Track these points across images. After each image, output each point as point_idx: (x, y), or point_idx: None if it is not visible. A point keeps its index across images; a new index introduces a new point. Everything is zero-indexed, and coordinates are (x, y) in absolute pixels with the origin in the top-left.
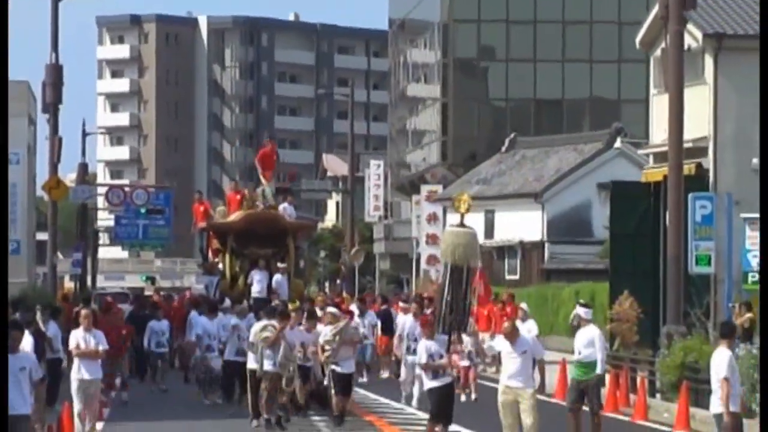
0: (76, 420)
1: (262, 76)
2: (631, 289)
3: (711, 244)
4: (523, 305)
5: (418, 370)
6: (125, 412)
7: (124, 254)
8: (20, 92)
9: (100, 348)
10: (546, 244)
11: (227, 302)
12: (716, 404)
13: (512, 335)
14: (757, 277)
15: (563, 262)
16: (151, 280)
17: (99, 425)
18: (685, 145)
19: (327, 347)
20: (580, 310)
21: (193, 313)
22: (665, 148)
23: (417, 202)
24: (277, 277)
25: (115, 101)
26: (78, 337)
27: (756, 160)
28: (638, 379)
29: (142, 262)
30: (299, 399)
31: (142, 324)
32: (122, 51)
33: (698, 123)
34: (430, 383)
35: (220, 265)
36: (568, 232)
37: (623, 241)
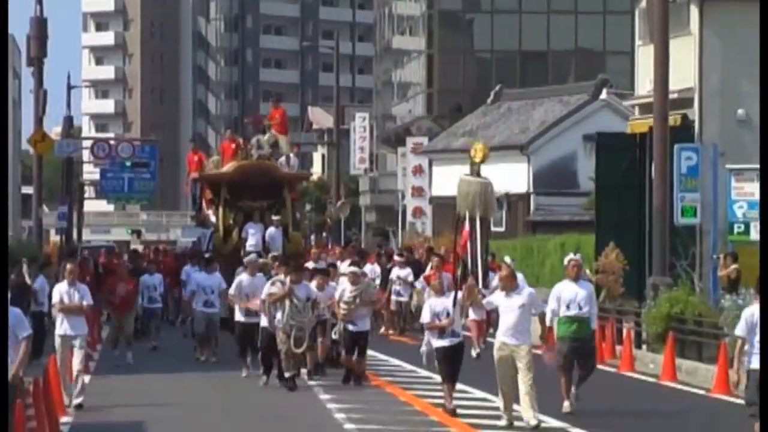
0: (61, 375)
1: (247, 28)
2: (617, 241)
3: (696, 196)
4: (507, 259)
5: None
6: (112, 366)
7: (110, 208)
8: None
9: (84, 303)
10: (532, 196)
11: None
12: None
13: (508, 285)
14: (742, 227)
15: (549, 214)
16: (137, 233)
17: (86, 378)
18: (671, 97)
19: (344, 306)
20: (578, 258)
21: (187, 267)
22: (650, 100)
23: (403, 155)
24: (270, 230)
25: (99, 54)
26: (62, 292)
27: (741, 111)
28: (624, 331)
29: (127, 216)
30: (317, 357)
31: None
32: (107, 4)
33: (683, 74)
34: (435, 342)
35: (213, 218)
36: (554, 183)
37: (609, 192)
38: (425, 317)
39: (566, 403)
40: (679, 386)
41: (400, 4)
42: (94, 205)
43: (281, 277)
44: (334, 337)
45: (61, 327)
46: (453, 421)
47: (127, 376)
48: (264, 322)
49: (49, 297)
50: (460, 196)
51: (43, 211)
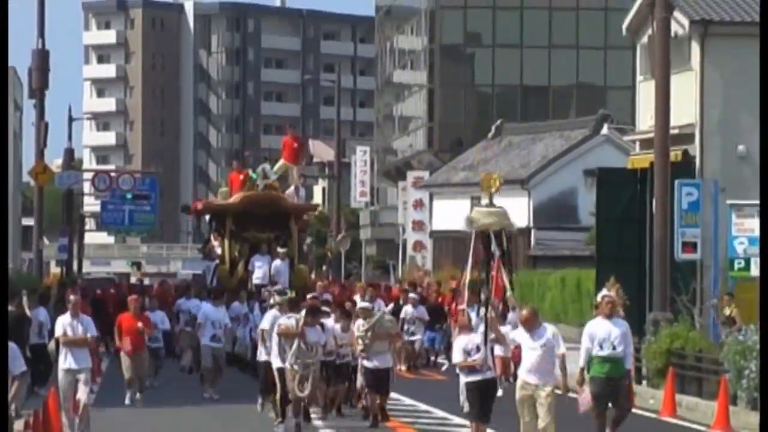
0: (63, 414)
1: (249, 61)
2: (617, 276)
3: (697, 231)
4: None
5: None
6: (112, 398)
7: (110, 240)
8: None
9: (89, 335)
10: (532, 231)
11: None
12: None
13: (531, 323)
14: (743, 263)
15: (549, 249)
16: (137, 265)
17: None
18: (672, 132)
19: (360, 342)
20: (612, 295)
21: (180, 300)
22: (651, 135)
23: (403, 188)
24: (276, 262)
25: (101, 86)
26: (65, 324)
27: (742, 147)
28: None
29: (127, 248)
30: (320, 400)
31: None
32: (109, 36)
33: (685, 110)
34: (466, 378)
35: (219, 249)
36: (555, 218)
37: (609, 227)
38: (456, 357)
39: None
40: (680, 422)
41: (402, 38)
42: (94, 237)
43: (297, 314)
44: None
45: (66, 361)
46: None
47: (129, 410)
48: (263, 356)
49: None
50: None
51: (43, 243)
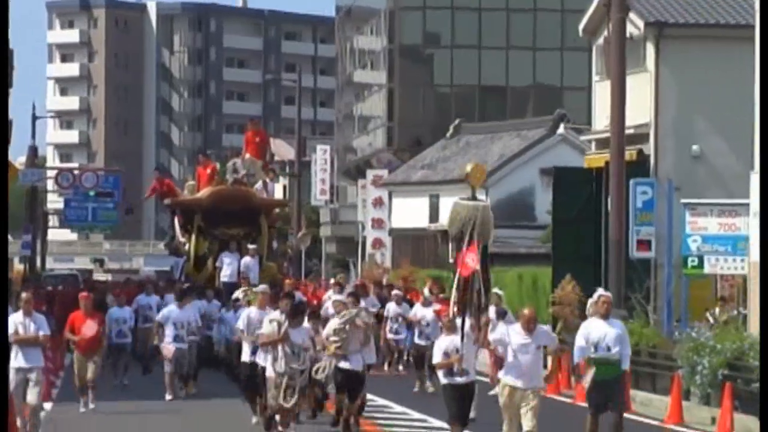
0: (17, 416)
1: (210, 61)
2: (573, 273)
3: (651, 230)
4: (497, 290)
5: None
6: (73, 394)
7: (74, 237)
8: None
9: (41, 333)
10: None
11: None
12: None
13: (531, 324)
14: (696, 261)
15: (506, 246)
16: (100, 262)
17: (48, 405)
18: (627, 132)
19: (334, 338)
20: (608, 295)
21: (140, 296)
22: (607, 135)
23: (363, 187)
24: (246, 259)
25: (64, 85)
26: (17, 322)
27: (696, 147)
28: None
29: (91, 245)
30: (305, 406)
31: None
32: (72, 36)
33: (639, 110)
34: (444, 380)
35: (187, 246)
36: (512, 216)
37: (565, 226)
38: (436, 357)
39: None
40: (634, 416)
41: (362, 39)
42: (57, 234)
43: (277, 315)
44: (318, 376)
45: (16, 359)
46: None
47: (95, 408)
48: (246, 356)
49: None
50: (462, 222)
51: (7, 239)
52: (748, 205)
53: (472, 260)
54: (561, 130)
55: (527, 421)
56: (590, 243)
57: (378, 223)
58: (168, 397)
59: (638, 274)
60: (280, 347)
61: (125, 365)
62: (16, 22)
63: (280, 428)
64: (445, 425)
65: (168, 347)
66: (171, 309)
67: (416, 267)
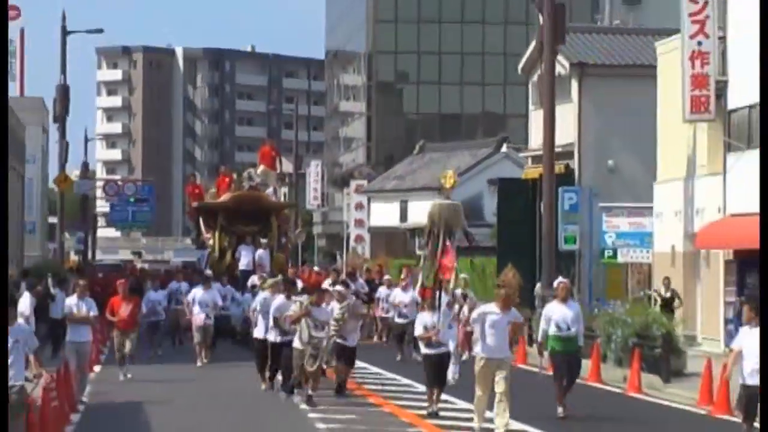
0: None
1: (226, 94)
2: (514, 262)
3: (576, 228)
4: (463, 275)
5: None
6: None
7: (117, 234)
8: (36, 106)
9: (91, 314)
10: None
11: (253, 279)
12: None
13: (507, 305)
14: (611, 253)
15: (461, 240)
16: (138, 254)
17: (97, 368)
18: (556, 150)
19: (334, 323)
20: (567, 282)
21: (173, 284)
22: (540, 152)
23: (347, 194)
24: (259, 252)
25: (110, 114)
26: (71, 304)
27: (611, 162)
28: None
29: (131, 240)
30: (335, 376)
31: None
32: (116, 74)
33: (566, 133)
34: (424, 350)
35: (211, 241)
36: (465, 217)
37: (508, 224)
38: (418, 330)
39: (560, 409)
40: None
41: (346, 76)
42: (104, 232)
43: (303, 299)
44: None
45: (71, 334)
46: (423, 423)
47: (133, 370)
48: (259, 333)
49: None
50: (438, 219)
51: (64, 236)
52: (652, 208)
53: (449, 262)
54: (504, 148)
55: (500, 387)
56: (527, 238)
57: (359, 223)
58: (198, 363)
59: (565, 263)
60: (304, 321)
61: (159, 339)
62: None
63: (310, 391)
64: (446, 396)
65: (199, 317)
66: (197, 291)
67: (390, 257)
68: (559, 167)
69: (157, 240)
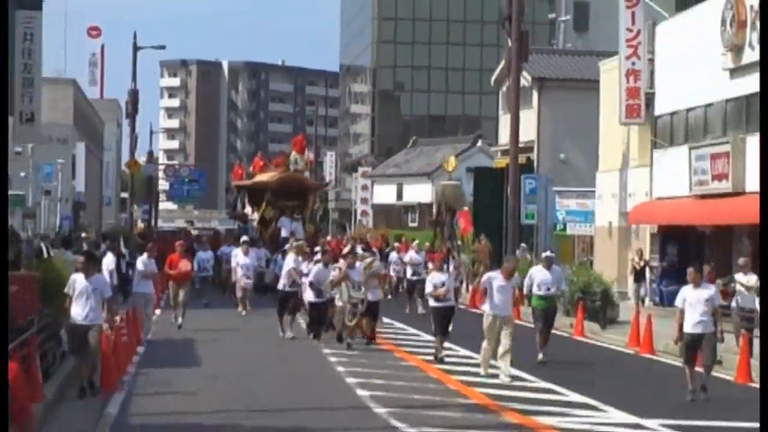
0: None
1: (261, 98)
2: (487, 233)
3: (534, 207)
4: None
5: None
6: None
7: (174, 207)
8: (112, 106)
9: (156, 271)
10: (433, 205)
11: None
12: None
13: (511, 273)
14: (562, 226)
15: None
16: (191, 222)
17: (157, 311)
18: (520, 145)
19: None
20: (549, 254)
21: (224, 247)
22: (508, 147)
23: (356, 177)
24: (294, 224)
25: (170, 112)
26: (144, 261)
27: (563, 155)
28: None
29: (185, 212)
30: (366, 329)
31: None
32: (175, 81)
33: (528, 132)
34: (432, 303)
35: (255, 215)
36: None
37: (482, 204)
38: (428, 288)
39: (540, 355)
40: (519, 322)
41: (355, 86)
42: (164, 205)
43: (341, 264)
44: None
45: (138, 286)
46: (429, 367)
47: (186, 315)
48: (281, 286)
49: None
50: (439, 195)
51: (133, 208)
52: (594, 192)
53: (466, 221)
54: (479, 144)
55: (506, 341)
56: (497, 215)
57: (364, 201)
58: (241, 311)
59: (526, 235)
60: (344, 284)
61: (207, 291)
62: (141, 72)
63: (349, 340)
64: (431, 337)
65: (242, 279)
66: (239, 256)
67: (388, 228)
68: (522, 159)
69: (205, 212)
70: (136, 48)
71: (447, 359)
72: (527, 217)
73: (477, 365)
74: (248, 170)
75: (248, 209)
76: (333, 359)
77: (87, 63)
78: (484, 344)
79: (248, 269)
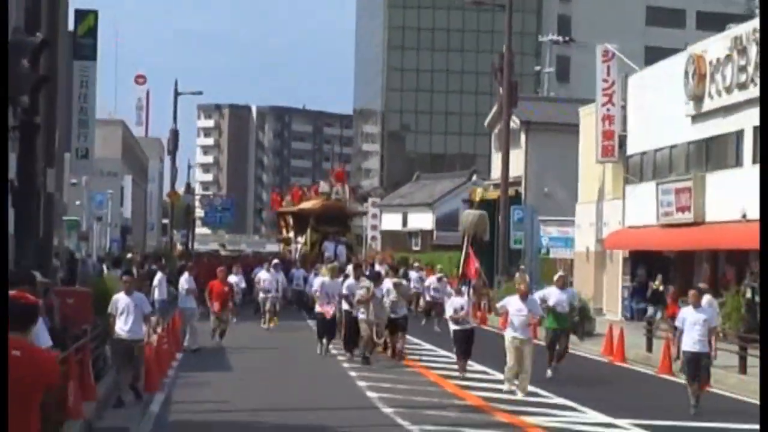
0: (188, 336)
1: (285, 137)
2: (481, 257)
3: (522, 234)
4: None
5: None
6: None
7: (209, 232)
8: (156, 144)
9: (195, 287)
10: (434, 231)
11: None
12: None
13: (525, 296)
14: (546, 251)
15: (443, 241)
16: (223, 246)
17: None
18: (510, 180)
19: (388, 302)
20: (563, 274)
21: (257, 269)
22: (499, 181)
23: (367, 206)
24: (339, 247)
25: (206, 150)
26: (185, 279)
27: (547, 189)
28: (483, 305)
29: (218, 236)
30: (393, 346)
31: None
32: (209, 123)
33: (517, 168)
34: (453, 327)
35: (299, 238)
36: (446, 225)
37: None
38: (448, 311)
39: (549, 371)
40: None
41: (367, 126)
42: (200, 230)
43: (367, 283)
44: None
45: (182, 302)
46: (429, 373)
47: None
48: (318, 308)
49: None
50: (469, 224)
51: (173, 232)
52: (574, 221)
53: (475, 267)
54: (474, 178)
55: (526, 363)
56: (489, 240)
57: (374, 227)
58: (263, 326)
59: (515, 258)
60: (371, 303)
61: (238, 308)
62: (181, 114)
63: (367, 354)
64: (446, 353)
65: (267, 294)
66: (262, 274)
67: (394, 251)
68: (511, 192)
69: (235, 236)
70: (177, 93)
71: (446, 369)
72: (515, 242)
73: (475, 372)
74: (287, 199)
75: (291, 234)
76: (346, 365)
77: (134, 106)
78: (509, 363)
79: (272, 286)
